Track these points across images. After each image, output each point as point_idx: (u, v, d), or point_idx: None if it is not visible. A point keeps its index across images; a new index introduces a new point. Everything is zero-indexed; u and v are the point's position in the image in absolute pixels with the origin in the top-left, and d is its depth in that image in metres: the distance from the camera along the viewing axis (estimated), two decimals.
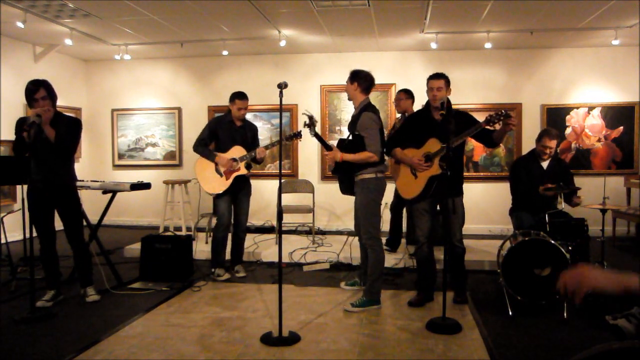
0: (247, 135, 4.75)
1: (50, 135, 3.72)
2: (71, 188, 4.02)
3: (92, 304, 3.99)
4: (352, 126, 3.94)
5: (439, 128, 3.76)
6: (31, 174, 3.76)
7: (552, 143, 4.36)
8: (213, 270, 4.80)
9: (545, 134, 4.41)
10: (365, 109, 3.86)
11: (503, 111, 3.60)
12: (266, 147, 4.63)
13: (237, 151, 4.64)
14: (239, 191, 4.74)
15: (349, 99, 4.04)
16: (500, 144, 3.93)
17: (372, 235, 3.89)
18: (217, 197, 4.76)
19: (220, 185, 4.63)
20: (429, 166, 3.76)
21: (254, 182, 5.14)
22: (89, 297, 4.03)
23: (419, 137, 3.84)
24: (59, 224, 3.98)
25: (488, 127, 3.70)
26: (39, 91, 3.68)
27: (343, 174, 4.01)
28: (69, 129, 3.87)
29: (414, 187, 3.85)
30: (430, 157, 3.75)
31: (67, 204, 3.99)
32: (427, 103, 3.90)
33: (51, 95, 3.76)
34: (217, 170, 4.66)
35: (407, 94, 5.32)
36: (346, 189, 4.06)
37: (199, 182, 4.72)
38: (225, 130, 4.72)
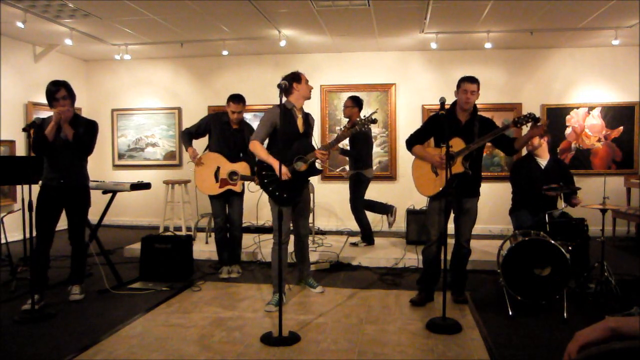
0: (243, 139, 4.67)
1: (69, 134, 3.84)
2: (86, 188, 4.12)
3: (91, 304, 3.99)
4: (308, 126, 3.95)
5: (463, 128, 3.78)
6: (46, 175, 3.88)
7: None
8: (220, 269, 4.93)
9: None
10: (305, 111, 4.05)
11: (531, 114, 3.63)
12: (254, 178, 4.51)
13: (242, 167, 4.64)
14: (231, 192, 4.75)
15: (304, 101, 3.94)
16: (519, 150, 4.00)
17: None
18: (210, 198, 4.79)
19: (212, 189, 4.69)
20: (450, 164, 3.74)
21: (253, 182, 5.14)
22: (72, 296, 4.06)
23: (441, 137, 3.82)
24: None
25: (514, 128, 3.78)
26: (59, 91, 3.82)
27: (306, 176, 3.93)
28: (86, 129, 4.00)
29: (434, 184, 3.84)
30: (453, 156, 3.70)
31: (79, 204, 4.06)
32: (453, 103, 3.88)
33: (71, 95, 3.90)
34: (216, 174, 4.68)
35: (354, 102, 5.70)
36: (297, 194, 3.89)
37: (194, 175, 4.76)
38: (219, 130, 4.72)
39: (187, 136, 4.79)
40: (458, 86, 3.83)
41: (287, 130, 3.78)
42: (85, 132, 3.98)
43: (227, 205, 4.83)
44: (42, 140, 3.78)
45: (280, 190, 3.77)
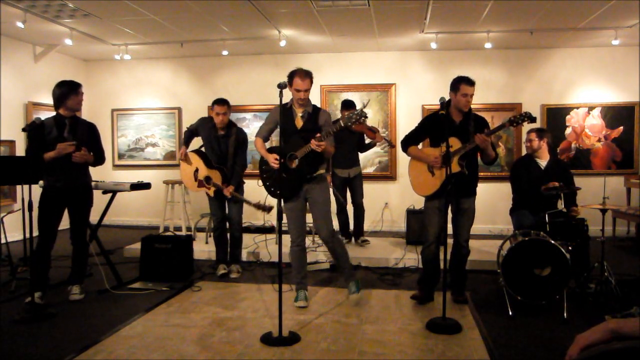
0: (228, 146, 4.70)
1: (90, 159, 4.01)
2: (90, 187, 4.17)
3: (91, 304, 3.99)
4: (312, 123, 3.80)
5: (458, 128, 3.77)
6: (49, 176, 3.90)
7: (532, 135, 4.50)
8: (217, 267, 4.94)
9: (529, 131, 4.59)
10: (319, 107, 3.96)
11: (527, 113, 3.62)
12: (233, 184, 4.64)
13: (215, 175, 4.69)
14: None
15: (304, 99, 3.80)
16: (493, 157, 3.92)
17: (332, 228, 3.94)
18: (209, 199, 4.82)
19: (192, 186, 4.85)
20: (442, 165, 3.72)
21: (253, 182, 5.13)
22: (72, 296, 4.07)
23: (437, 137, 3.82)
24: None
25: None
26: (81, 87, 4.10)
27: (304, 172, 3.80)
28: (93, 136, 4.13)
29: (431, 184, 3.84)
30: (449, 156, 3.65)
31: (82, 203, 4.09)
32: (447, 103, 3.81)
33: None
34: (195, 174, 4.78)
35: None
36: (293, 191, 3.83)
37: (180, 170, 4.96)
38: (206, 135, 4.77)
39: (188, 134, 4.91)
40: (455, 87, 3.75)
41: (285, 128, 3.76)
42: (93, 139, 4.10)
43: (226, 205, 4.84)
44: (41, 150, 3.82)
45: (275, 185, 3.84)
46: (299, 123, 3.85)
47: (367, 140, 5.79)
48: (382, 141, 5.81)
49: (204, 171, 4.75)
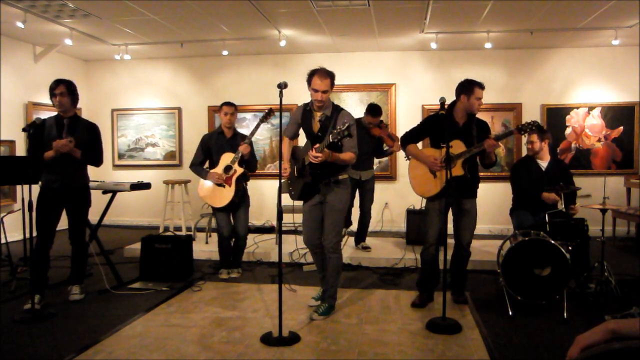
0: (237, 145, 4.66)
1: (77, 155, 3.91)
2: (87, 188, 4.15)
3: (91, 304, 3.99)
4: (328, 126, 3.53)
5: (461, 130, 3.75)
6: (46, 175, 3.91)
7: (533, 137, 4.46)
8: (220, 270, 4.91)
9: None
10: (340, 108, 3.67)
11: (535, 122, 3.62)
12: (247, 142, 4.54)
13: (227, 158, 4.64)
14: (236, 203, 4.72)
15: (321, 101, 3.57)
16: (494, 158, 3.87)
17: (340, 240, 3.74)
18: (215, 210, 4.77)
19: (228, 194, 4.61)
20: (442, 167, 3.69)
21: (254, 182, 5.15)
22: (72, 296, 4.07)
23: (439, 137, 3.77)
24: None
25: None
26: (58, 87, 3.88)
27: (316, 178, 3.58)
28: (91, 135, 4.06)
29: (432, 185, 3.81)
30: (452, 159, 3.63)
31: (79, 204, 4.08)
32: (451, 104, 3.80)
33: (71, 94, 3.95)
34: (219, 184, 4.66)
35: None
36: (306, 194, 3.68)
37: (208, 203, 4.76)
38: (215, 142, 4.76)
39: (200, 167, 4.78)
40: (468, 90, 3.69)
41: (305, 130, 3.71)
42: (92, 139, 4.05)
43: (232, 215, 4.82)
44: (39, 150, 3.83)
45: (291, 185, 3.79)
46: (316, 127, 3.61)
47: (385, 147, 5.60)
48: (400, 151, 5.65)
49: (219, 168, 4.64)
